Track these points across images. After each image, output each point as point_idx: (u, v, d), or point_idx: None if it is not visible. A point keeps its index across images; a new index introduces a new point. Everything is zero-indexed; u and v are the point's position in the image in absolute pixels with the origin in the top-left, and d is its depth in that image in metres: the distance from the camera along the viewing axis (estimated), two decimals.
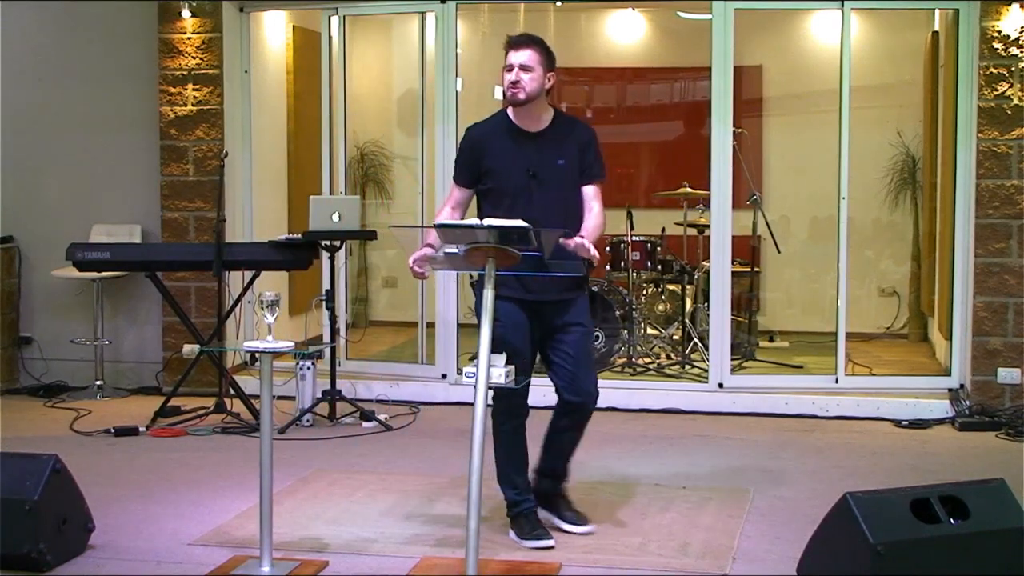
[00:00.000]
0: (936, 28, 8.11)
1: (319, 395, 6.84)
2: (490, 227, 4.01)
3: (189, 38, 7.60)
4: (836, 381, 7.14)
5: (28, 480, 4.27)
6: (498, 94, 9.69)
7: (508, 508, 4.72)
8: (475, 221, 4.08)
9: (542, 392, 7.28)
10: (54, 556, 4.32)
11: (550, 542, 4.56)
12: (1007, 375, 6.81)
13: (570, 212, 4.57)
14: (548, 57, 4.57)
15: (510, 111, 4.61)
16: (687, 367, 7.61)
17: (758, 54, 9.12)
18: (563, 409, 4.72)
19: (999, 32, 6.76)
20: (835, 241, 7.19)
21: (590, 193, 4.62)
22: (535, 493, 4.76)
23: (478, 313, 4.56)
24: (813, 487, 5.41)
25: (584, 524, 4.72)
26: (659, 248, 8.02)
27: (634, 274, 7.92)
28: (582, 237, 4.37)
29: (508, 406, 4.64)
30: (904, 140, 8.95)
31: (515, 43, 4.56)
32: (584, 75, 9.66)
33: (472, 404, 4.00)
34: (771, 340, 8.74)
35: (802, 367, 7.74)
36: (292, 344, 4.45)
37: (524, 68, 4.50)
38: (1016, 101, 6.75)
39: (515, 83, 4.50)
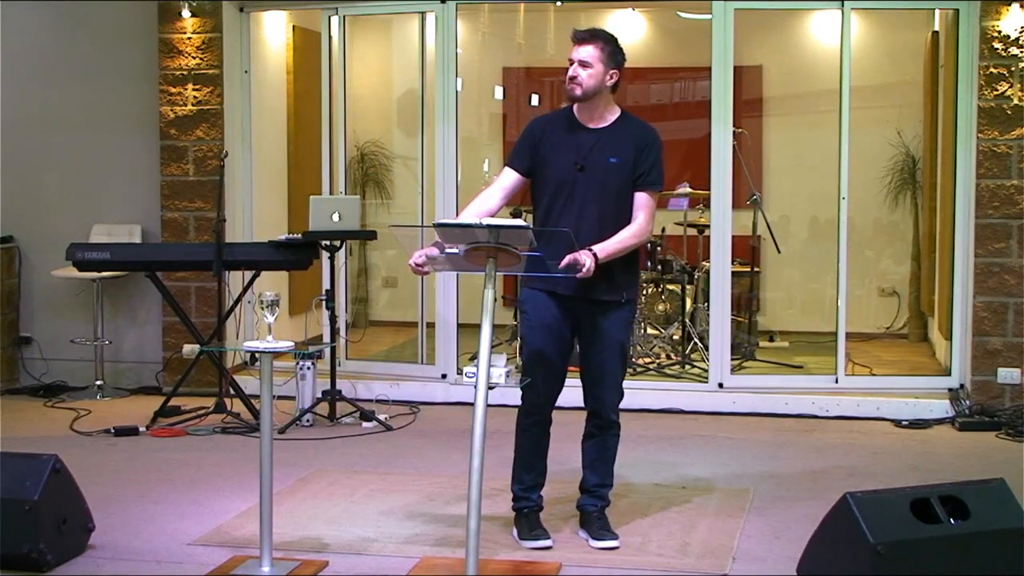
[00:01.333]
0: (936, 28, 8.11)
1: (319, 395, 6.84)
2: (490, 227, 4.01)
3: (189, 38, 7.60)
4: (836, 381, 7.14)
5: (28, 480, 4.27)
6: (498, 94, 9.71)
7: (512, 503, 4.72)
8: (475, 220, 4.07)
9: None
10: (54, 556, 4.32)
11: (547, 543, 4.55)
12: (1007, 375, 6.81)
13: (611, 213, 4.45)
14: (612, 54, 4.45)
15: (576, 106, 4.55)
16: (687, 367, 7.61)
17: (758, 54, 9.12)
18: (587, 411, 4.71)
19: (999, 32, 6.76)
20: (835, 241, 7.19)
21: (640, 201, 4.45)
22: (578, 508, 4.75)
23: (519, 308, 4.56)
24: (813, 487, 5.41)
25: (602, 539, 4.57)
26: (659, 248, 8.02)
27: None
28: (589, 250, 4.24)
29: (527, 404, 4.61)
30: (904, 140, 8.95)
31: (577, 38, 4.48)
32: None
33: (472, 404, 4.00)
34: (771, 340, 8.74)
35: (802, 367, 7.74)
36: (292, 344, 4.45)
37: (583, 64, 4.42)
38: (1016, 101, 6.75)
39: (572, 79, 4.43)
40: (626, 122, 4.55)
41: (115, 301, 7.89)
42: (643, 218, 4.46)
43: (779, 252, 8.12)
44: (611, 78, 4.46)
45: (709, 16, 7.15)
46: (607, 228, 4.41)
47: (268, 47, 8.27)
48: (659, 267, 8.03)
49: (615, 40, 4.52)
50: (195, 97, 7.63)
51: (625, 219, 4.46)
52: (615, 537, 4.58)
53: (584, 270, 4.20)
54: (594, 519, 4.65)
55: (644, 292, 8.18)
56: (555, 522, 4.82)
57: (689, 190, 8.00)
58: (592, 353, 4.56)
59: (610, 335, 4.52)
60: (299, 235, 6.86)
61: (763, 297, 9.02)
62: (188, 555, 4.51)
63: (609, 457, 4.69)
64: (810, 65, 8.99)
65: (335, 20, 7.72)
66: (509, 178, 4.58)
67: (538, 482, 4.70)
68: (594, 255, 4.24)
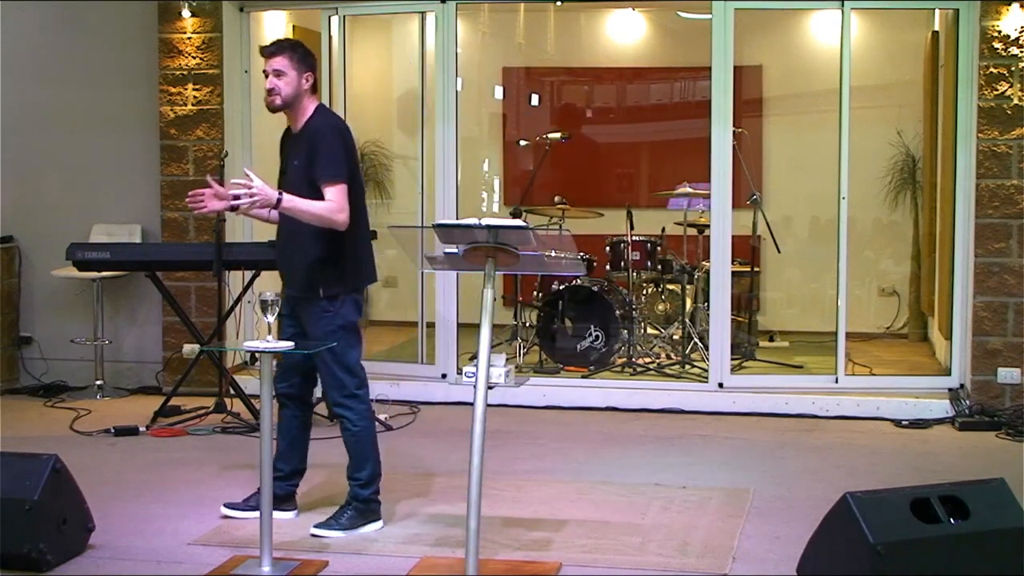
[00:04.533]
0: (936, 28, 8.11)
1: (319, 395, 6.82)
2: (489, 227, 4.01)
3: (189, 38, 7.60)
4: (836, 381, 7.14)
5: (28, 480, 4.28)
6: (498, 94, 9.72)
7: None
8: (474, 221, 4.08)
9: (542, 392, 7.30)
10: (54, 556, 4.32)
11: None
12: (1007, 375, 6.81)
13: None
14: (302, 59, 4.68)
15: None
16: (687, 367, 7.61)
17: (758, 54, 9.12)
18: None
19: (999, 32, 6.76)
20: (835, 241, 7.19)
21: (325, 192, 4.57)
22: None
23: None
24: (813, 487, 5.41)
25: (320, 527, 4.73)
26: (659, 248, 8.02)
27: (634, 274, 7.93)
28: (280, 193, 4.46)
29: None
30: (904, 140, 8.95)
31: (267, 52, 4.71)
32: (584, 75, 9.67)
33: (472, 404, 4.00)
34: (771, 340, 8.73)
35: (802, 367, 7.74)
36: (292, 344, 4.46)
37: (277, 73, 4.66)
38: (1016, 101, 6.75)
39: (270, 90, 4.68)
40: (314, 119, 4.74)
41: (115, 301, 7.89)
42: (328, 201, 4.55)
43: (779, 252, 8.12)
44: (307, 81, 4.70)
45: (709, 16, 7.15)
46: (297, 230, 4.62)
47: None
48: (659, 267, 8.04)
49: (302, 45, 4.78)
50: (195, 97, 7.63)
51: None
52: (336, 528, 4.69)
53: (250, 194, 4.39)
54: (340, 508, 4.80)
55: (644, 292, 8.19)
56: (554, 522, 4.83)
57: (688, 190, 8.00)
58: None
59: (311, 329, 4.73)
60: None
61: (763, 297, 9.02)
62: (188, 555, 4.51)
63: (348, 450, 4.84)
64: (810, 65, 8.99)
65: (335, 20, 7.72)
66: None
67: (275, 464, 4.81)
68: (279, 199, 4.45)
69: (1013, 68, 6.76)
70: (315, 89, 4.75)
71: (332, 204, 4.54)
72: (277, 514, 4.62)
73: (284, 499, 4.91)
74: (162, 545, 4.63)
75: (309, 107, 4.73)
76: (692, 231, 8.19)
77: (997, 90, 6.77)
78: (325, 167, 4.59)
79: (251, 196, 4.39)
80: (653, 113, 9.61)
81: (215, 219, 6.85)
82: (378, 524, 4.79)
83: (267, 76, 4.67)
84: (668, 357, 7.86)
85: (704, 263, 7.78)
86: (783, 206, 9.15)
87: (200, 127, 7.63)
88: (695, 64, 8.62)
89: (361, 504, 4.78)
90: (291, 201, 4.49)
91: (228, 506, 4.96)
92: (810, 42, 9.08)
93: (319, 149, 4.61)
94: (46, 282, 7.91)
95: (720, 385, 7.15)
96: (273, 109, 4.73)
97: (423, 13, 7.64)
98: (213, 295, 7.27)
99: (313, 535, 4.68)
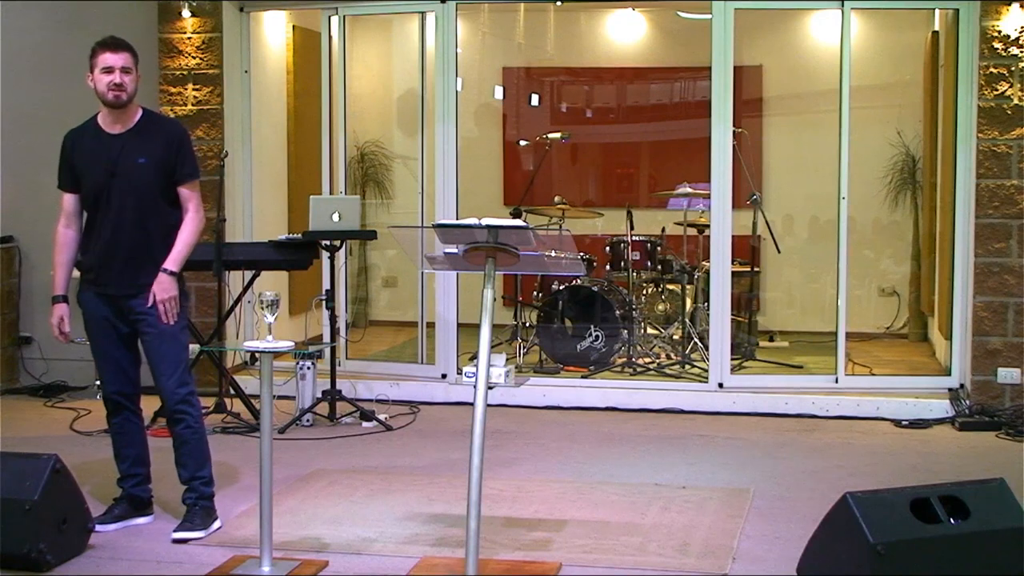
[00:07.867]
0: (936, 28, 8.11)
1: (319, 395, 6.84)
2: (489, 227, 4.02)
3: (189, 38, 7.61)
4: (836, 381, 7.14)
5: (28, 480, 4.28)
6: (498, 94, 9.72)
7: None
8: (474, 221, 4.08)
9: (542, 392, 7.30)
10: (54, 556, 4.32)
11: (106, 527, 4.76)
12: (1007, 375, 6.81)
13: (151, 212, 4.67)
14: (138, 61, 4.77)
15: (101, 114, 4.77)
16: (687, 367, 7.61)
17: (758, 54, 9.12)
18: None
19: (999, 32, 6.76)
20: (835, 241, 7.19)
21: (184, 195, 4.72)
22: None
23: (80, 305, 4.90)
24: (813, 487, 5.41)
25: (180, 530, 4.69)
26: (659, 248, 8.02)
27: (634, 274, 7.93)
28: (164, 270, 4.60)
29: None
30: (904, 140, 8.95)
31: (112, 45, 4.69)
32: (584, 75, 9.67)
33: (472, 404, 4.00)
34: (771, 340, 8.74)
35: (802, 367, 7.74)
36: (292, 344, 4.46)
37: (126, 71, 4.66)
38: (1016, 101, 6.75)
39: (119, 85, 4.65)
40: (151, 121, 4.79)
41: None
42: (192, 210, 4.73)
43: (779, 252, 8.12)
44: (138, 81, 4.78)
45: (709, 16, 7.15)
46: (149, 226, 4.65)
47: (268, 47, 8.27)
48: (659, 267, 8.04)
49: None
50: (195, 97, 7.63)
51: (166, 215, 4.70)
52: (196, 529, 4.68)
53: (171, 301, 4.60)
54: (188, 510, 4.76)
55: (644, 292, 8.19)
56: (554, 522, 4.83)
57: (688, 190, 8.00)
58: (146, 343, 4.76)
59: (152, 322, 4.68)
60: (299, 235, 6.86)
61: (763, 297, 9.02)
62: (188, 555, 4.51)
63: (187, 451, 4.78)
64: (810, 65, 8.99)
65: (335, 20, 7.72)
66: (71, 201, 4.84)
67: (131, 472, 4.84)
68: (170, 272, 4.62)
69: (1013, 68, 6.76)
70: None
71: (196, 216, 4.69)
72: (140, 520, 4.80)
73: (149, 503, 4.93)
74: (162, 545, 4.62)
75: (137, 108, 4.78)
76: (692, 231, 8.19)
77: (997, 90, 6.77)
78: (193, 167, 4.76)
79: (165, 301, 4.60)
80: (653, 113, 9.61)
81: (215, 219, 6.85)
82: (218, 522, 4.80)
83: (111, 71, 4.63)
84: (668, 357, 7.86)
85: (704, 263, 7.78)
86: (783, 206, 9.15)
87: (200, 127, 7.63)
88: (695, 64, 8.62)
89: (207, 502, 4.80)
90: (174, 259, 4.64)
91: (98, 521, 4.76)
92: (810, 42, 9.08)
93: (183, 149, 4.72)
94: (46, 282, 7.83)
95: (720, 385, 7.15)
96: (119, 105, 4.68)
97: (423, 13, 7.65)
98: (213, 295, 7.27)
99: (176, 540, 4.63)
